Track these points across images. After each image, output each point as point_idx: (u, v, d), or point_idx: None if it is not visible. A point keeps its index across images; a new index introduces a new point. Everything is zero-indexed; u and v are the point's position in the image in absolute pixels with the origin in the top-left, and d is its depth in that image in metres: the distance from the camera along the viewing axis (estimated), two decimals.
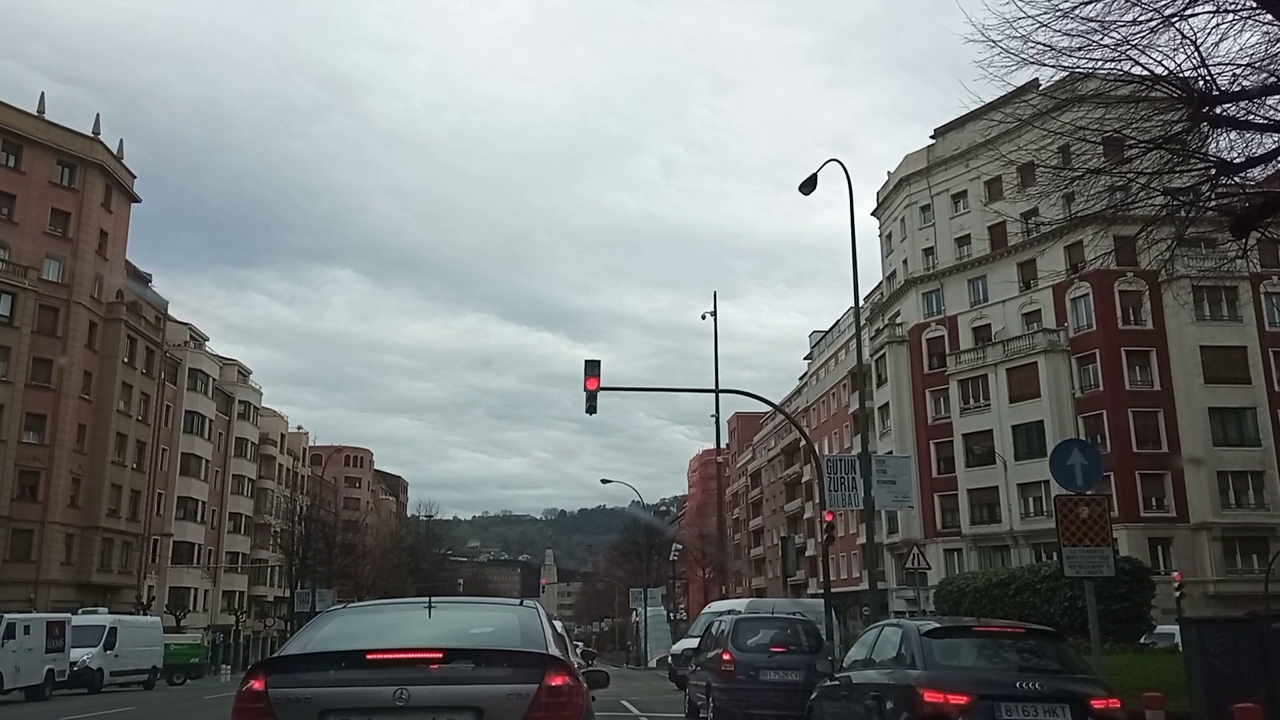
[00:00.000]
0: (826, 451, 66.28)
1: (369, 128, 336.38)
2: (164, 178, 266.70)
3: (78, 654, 30.67)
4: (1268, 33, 11.54)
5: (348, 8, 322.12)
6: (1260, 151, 12.28)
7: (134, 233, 60.05)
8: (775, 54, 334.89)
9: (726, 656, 15.34)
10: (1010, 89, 13.62)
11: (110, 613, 38.07)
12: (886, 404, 61.55)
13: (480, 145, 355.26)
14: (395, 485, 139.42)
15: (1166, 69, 11.67)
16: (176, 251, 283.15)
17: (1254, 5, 11.27)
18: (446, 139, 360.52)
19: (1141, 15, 11.28)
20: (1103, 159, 13.16)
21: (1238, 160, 12.31)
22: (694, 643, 23.27)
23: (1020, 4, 11.74)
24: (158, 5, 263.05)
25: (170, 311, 69.70)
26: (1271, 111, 12.08)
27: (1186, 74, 11.67)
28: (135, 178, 60.66)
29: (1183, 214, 13.25)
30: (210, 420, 70.66)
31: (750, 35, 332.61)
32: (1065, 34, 11.71)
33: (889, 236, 65.87)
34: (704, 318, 44.83)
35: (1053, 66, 12.20)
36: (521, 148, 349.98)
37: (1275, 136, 12.19)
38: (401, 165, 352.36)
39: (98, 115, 57.10)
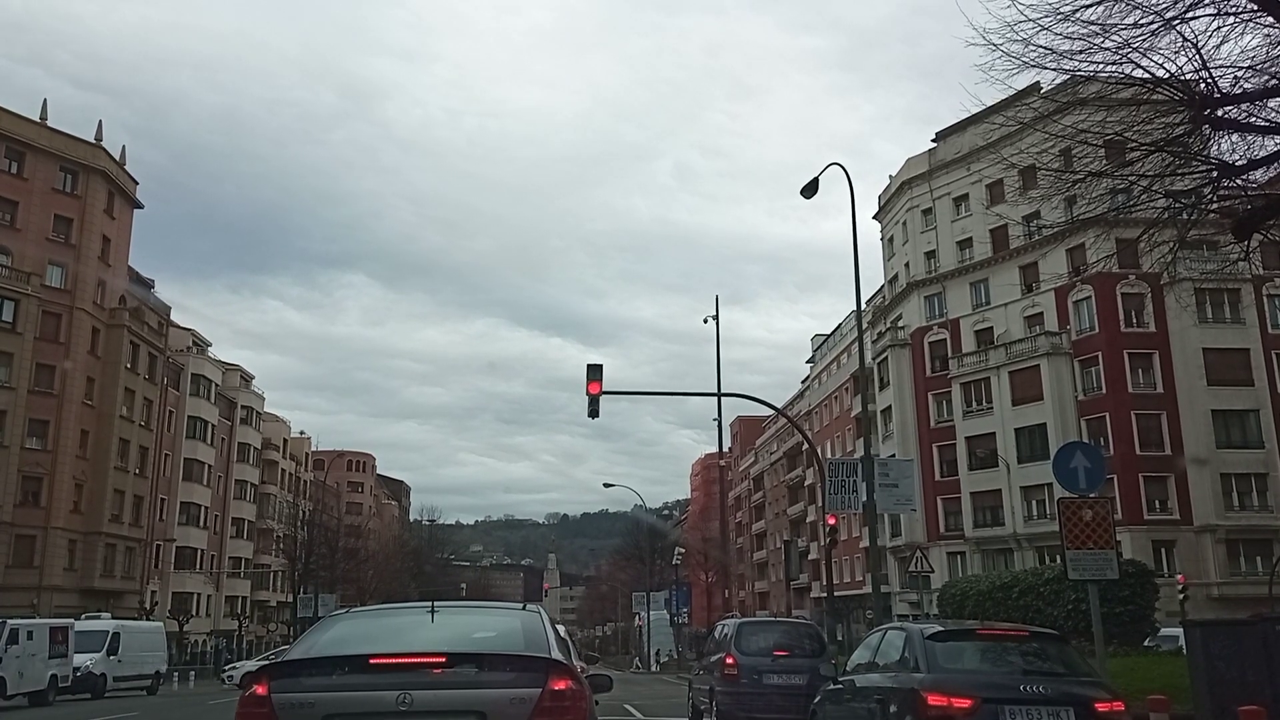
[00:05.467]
0: (829, 455, 66.26)
1: (387, 134, 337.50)
2: (183, 184, 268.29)
3: (81, 659, 30.68)
4: (1268, 35, 11.54)
5: (370, 16, 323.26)
6: (1262, 154, 12.27)
7: (149, 238, 60.88)
8: (793, 59, 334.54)
9: (730, 660, 15.33)
10: (1012, 92, 13.61)
11: (113, 618, 38.07)
12: (889, 407, 61.53)
13: (497, 151, 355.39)
14: (398, 490, 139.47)
15: (1168, 72, 11.67)
16: (192, 257, 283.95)
17: (1254, 8, 11.27)
18: (464, 145, 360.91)
19: (1142, 18, 11.28)
20: (1104, 162, 13.15)
21: (1239, 163, 12.30)
22: None
23: (1021, 7, 11.74)
24: (181, 14, 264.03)
25: (184, 317, 70.12)
26: (1273, 114, 12.07)
27: (1188, 77, 11.67)
28: (138, 184, 60.82)
29: (1185, 216, 13.23)
30: (213, 425, 70.74)
31: (769, 41, 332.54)
32: (1066, 37, 11.71)
33: (890, 240, 65.88)
34: (705, 321, 44.82)
35: (1054, 70, 12.20)
36: (538, 153, 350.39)
37: (1277, 139, 12.18)
38: (418, 171, 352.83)
39: (100, 122, 57.43)
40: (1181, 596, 41.50)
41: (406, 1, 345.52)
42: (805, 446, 65.91)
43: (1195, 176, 12.55)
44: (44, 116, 54.31)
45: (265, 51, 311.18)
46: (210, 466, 70.37)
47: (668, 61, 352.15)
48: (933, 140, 61.17)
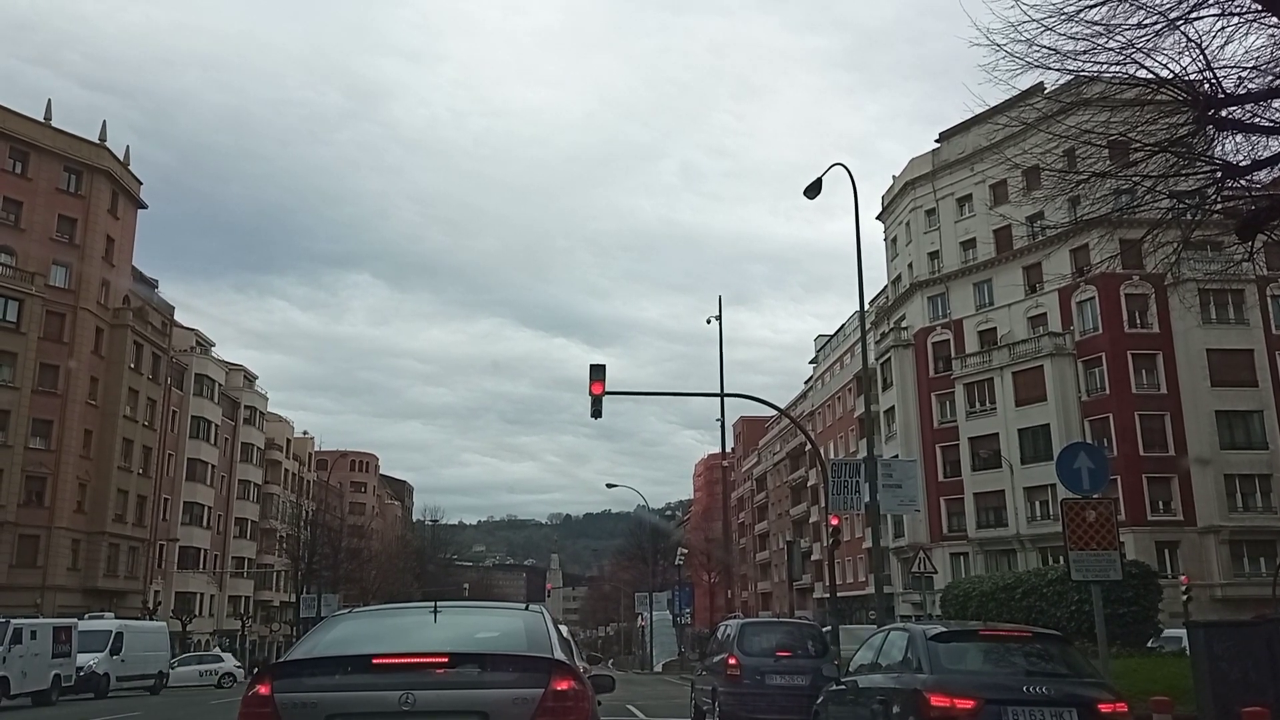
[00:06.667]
0: (831, 455, 66.19)
1: (393, 135, 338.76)
2: (188, 184, 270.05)
3: (84, 659, 30.68)
4: (1273, 35, 11.52)
5: (377, 17, 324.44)
6: (1266, 154, 12.24)
7: (155, 238, 61.15)
8: (798, 59, 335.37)
9: (732, 661, 15.33)
10: (1015, 93, 13.57)
11: (116, 618, 38.08)
12: (892, 408, 61.48)
13: (503, 151, 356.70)
14: (401, 490, 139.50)
15: (1172, 72, 11.64)
16: (198, 257, 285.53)
17: (1259, 8, 11.25)
18: (469, 145, 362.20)
19: (1146, 18, 11.26)
20: (1108, 162, 13.12)
21: (1244, 163, 12.27)
22: None
23: (1025, 8, 11.72)
24: (188, 14, 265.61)
25: (190, 317, 70.45)
26: (1277, 114, 12.04)
27: (1192, 77, 11.64)
28: (142, 184, 60.90)
29: (1189, 217, 13.20)
30: (216, 425, 70.80)
31: (774, 41, 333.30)
32: (1070, 37, 11.68)
33: (894, 240, 65.81)
34: (709, 322, 44.81)
35: (1057, 70, 12.17)
36: (543, 154, 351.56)
37: None
38: (424, 171, 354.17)
39: (104, 122, 57.56)
40: (1185, 597, 41.43)
41: (413, 2, 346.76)
42: (808, 447, 65.90)
43: (1199, 177, 12.53)
44: (48, 116, 54.39)
45: (271, 52, 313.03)
46: (213, 466, 70.44)
47: (673, 61, 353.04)
48: (936, 140, 61.10)
